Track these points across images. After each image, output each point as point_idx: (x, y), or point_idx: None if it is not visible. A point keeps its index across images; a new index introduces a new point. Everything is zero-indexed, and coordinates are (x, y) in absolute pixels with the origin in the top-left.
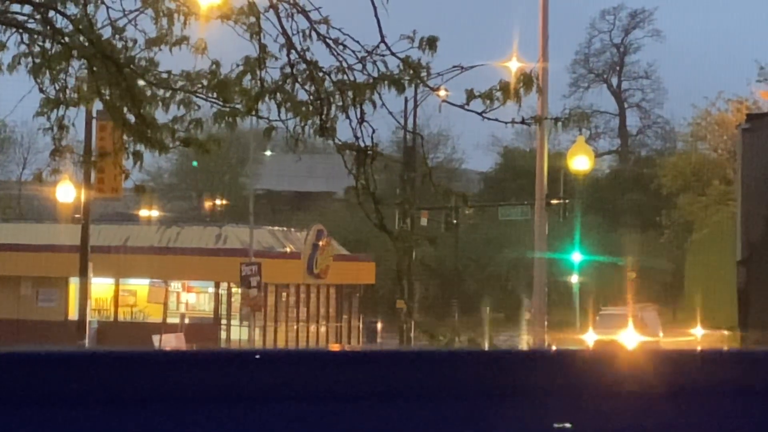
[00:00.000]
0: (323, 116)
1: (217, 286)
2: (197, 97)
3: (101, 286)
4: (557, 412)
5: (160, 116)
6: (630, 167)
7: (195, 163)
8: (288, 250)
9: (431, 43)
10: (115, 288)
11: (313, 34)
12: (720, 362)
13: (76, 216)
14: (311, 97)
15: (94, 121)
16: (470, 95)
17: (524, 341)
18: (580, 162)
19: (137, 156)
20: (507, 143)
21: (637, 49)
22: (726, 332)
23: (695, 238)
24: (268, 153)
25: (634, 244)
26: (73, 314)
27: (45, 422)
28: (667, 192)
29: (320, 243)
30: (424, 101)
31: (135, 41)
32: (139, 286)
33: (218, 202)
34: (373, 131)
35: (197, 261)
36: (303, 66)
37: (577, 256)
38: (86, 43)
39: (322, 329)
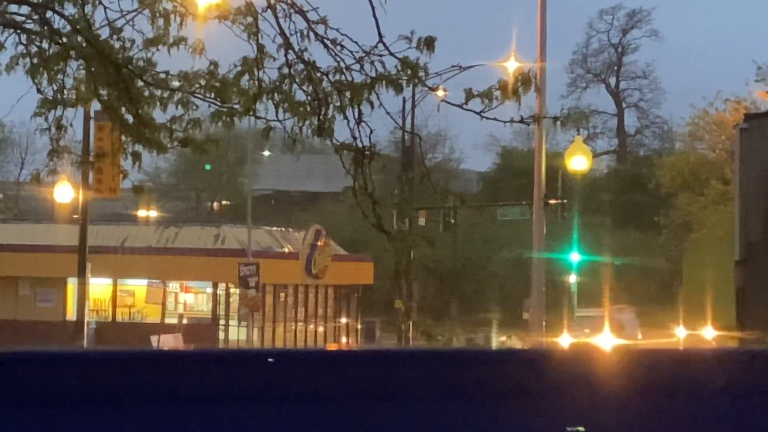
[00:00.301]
0: (321, 116)
1: (215, 286)
2: (195, 97)
3: (99, 287)
4: (557, 412)
5: (158, 116)
6: (628, 167)
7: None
8: (286, 250)
9: (429, 43)
10: (114, 288)
11: (311, 34)
12: (725, 361)
13: (75, 216)
14: (309, 98)
15: (92, 122)
16: (469, 94)
17: (524, 341)
18: (578, 162)
19: (135, 156)
20: (505, 143)
21: (635, 49)
22: (715, 333)
23: (693, 238)
24: (266, 153)
25: (633, 244)
26: (71, 315)
27: (44, 422)
28: (665, 192)
29: (318, 243)
30: (423, 101)
31: (133, 41)
32: (138, 286)
33: (221, 202)
34: (371, 131)
35: (195, 261)
36: (301, 66)
37: (575, 256)
38: (84, 44)
39: (321, 329)
